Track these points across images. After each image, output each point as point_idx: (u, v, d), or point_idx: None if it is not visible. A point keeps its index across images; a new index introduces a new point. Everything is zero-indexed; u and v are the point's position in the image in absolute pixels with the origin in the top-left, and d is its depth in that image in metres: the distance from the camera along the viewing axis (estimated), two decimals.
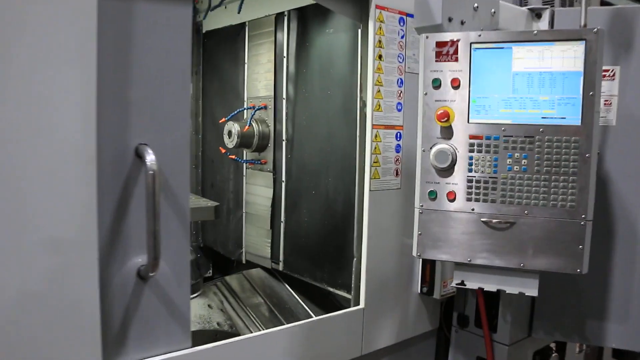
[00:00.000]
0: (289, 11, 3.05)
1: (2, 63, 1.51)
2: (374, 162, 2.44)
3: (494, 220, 2.19)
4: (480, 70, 2.21)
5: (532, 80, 2.16)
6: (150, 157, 1.80)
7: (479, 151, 2.22)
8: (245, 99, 3.39)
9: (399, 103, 2.50)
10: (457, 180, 2.24)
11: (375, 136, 2.43)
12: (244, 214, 3.45)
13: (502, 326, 2.68)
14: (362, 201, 2.45)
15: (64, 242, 1.67)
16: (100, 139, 1.72)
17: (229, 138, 3.21)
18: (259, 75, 3.28)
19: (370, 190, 2.43)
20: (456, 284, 2.29)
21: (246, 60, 3.37)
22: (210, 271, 3.85)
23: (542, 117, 2.15)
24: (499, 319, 2.69)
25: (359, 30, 2.44)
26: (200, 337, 2.68)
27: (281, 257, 3.17)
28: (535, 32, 2.14)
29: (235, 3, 3.33)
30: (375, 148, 2.44)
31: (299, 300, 3.18)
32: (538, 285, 2.23)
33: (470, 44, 2.21)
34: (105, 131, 1.75)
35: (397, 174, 2.53)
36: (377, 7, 2.37)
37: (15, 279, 1.59)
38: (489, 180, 2.20)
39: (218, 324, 2.84)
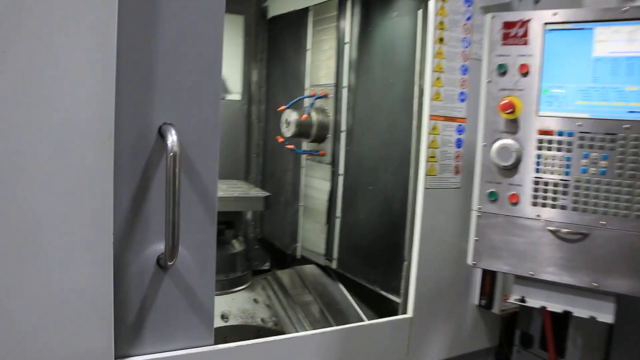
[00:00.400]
0: None
1: (16, 34, 1.41)
2: (430, 157, 2.20)
3: (564, 230, 1.89)
4: (554, 56, 1.92)
5: (617, 67, 1.84)
6: (172, 138, 1.67)
7: (549, 149, 1.92)
8: (307, 86, 3.24)
9: (461, 93, 2.25)
10: (522, 182, 1.97)
11: (433, 128, 2.19)
12: (300, 207, 3.31)
13: (572, 351, 2.35)
14: (415, 199, 2.23)
15: (77, 223, 1.56)
16: (120, 116, 1.60)
17: (286, 127, 3.07)
18: (321, 62, 3.12)
19: (425, 187, 2.18)
20: (515, 300, 2.00)
21: (309, 47, 3.22)
22: (268, 264, 3.73)
23: (630, 112, 1.82)
24: (568, 343, 2.36)
25: (420, 11, 2.19)
26: (241, 332, 2.56)
27: (335, 255, 3.00)
28: (626, 8, 1.81)
29: None
30: (432, 141, 2.20)
31: (352, 302, 2.98)
32: (615, 309, 1.89)
33: (544, 24, 1.92)
34: (126, 108, 1.64)
35: (457, 171, 2.28)
36: None
37: (25, 262, 1.49)
38: (560, 183, 1.91)
39: (262, 320, 2.70)
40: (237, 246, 2.85)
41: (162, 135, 1.70)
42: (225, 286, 2.75)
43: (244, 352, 1.91)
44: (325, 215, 3.07)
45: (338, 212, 3.00)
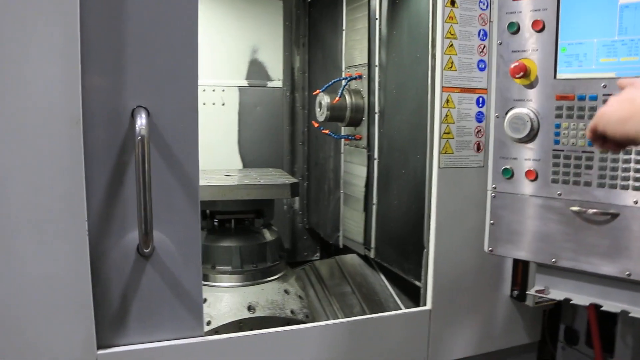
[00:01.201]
0: None
1: None
2: (445, 133, 2.00)
3: (590, 211, 1.62)
4: (572, 6, 1.64)
5: None
6: (141, 121, 1.60)
7: (569, 116, 1.66)
8: (343, 68, 3.10)
9: (480, 61, 2.02)
10: (539, 155, 1.71)
11: (447, 101, 1.99)
12: (341, 195, 3.17)
13: (621, 349, 2.02)
14: (431, 180, 2.02)
15: (48, 211, 1.53)
16: (90, 100, 1.57)
17: (319, 111, 2.96)
18: (355, 42, 2.97)
19: (439, 167, 1.98)
20: (537, 292, 1.74)
21: (344, 27, 3.07)
22: (318, 255, 3.65)
23: None
24: (617, 340, 2.04)
25: None
26: (268, 323, 2.48)
27: (372, 244, 2.84)
28: None
29: None
30: (446, 116, 1.99)
31: (393, 293, 2.80)
32: None
33: None
34: (97, 92, 1.59)
35: (478, 148, 2.05)
36: None
37: None
38: (582, 155, 1.64)
39: (292, 311, 2.60)
40: (268, 235, 2.76)
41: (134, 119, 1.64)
42: (255, 276, 2.68)
43: (239, 344, 1.81)
44: (362, 203, 2.93)
45: (374, 198, 2.83)
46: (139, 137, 1.58)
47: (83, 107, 1.51)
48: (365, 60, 2.88)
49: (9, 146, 1.45)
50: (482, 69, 2.07)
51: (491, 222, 1.82)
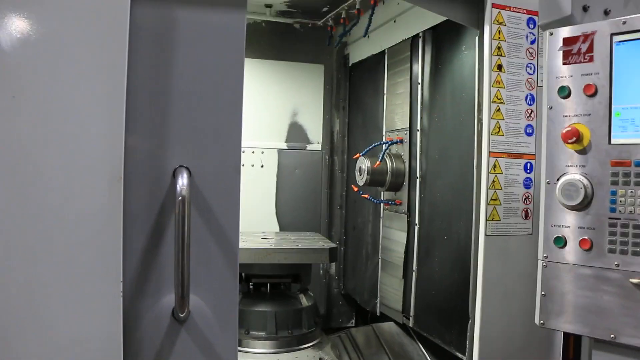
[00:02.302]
0: (423, 32, 2.70)
1: (24, 72, 1.41)
2: (492, 200, 1.94)
3: None
4: (626, 71, 1.60)
5: None
6: (182, 181, 1.58)
7: (626, 183, 1.58)
8: (384, 132, 3.10)
9: (528, 125, 1.98)
10: (595, 224, 1.62)
11: (494, 166, 1.92)
12: (379, 260, 3.10)
13: None
14: (477, 247, 1.95)
15: (83, 270, 1.50)
16: (133, 158, 1.55)
17: (359, 175, 2.94)
18: (396, 106, 2.97)
19: (485, 234, 1.91)
20: None
21: (385, 91, 3.08)
22: (353, 321, 3.54)
23: None
24: None
25: (476, 38, 1.97)
26: None
27: (412, 312, 2.74)
28: None
29: (377, 30, 3.08)
30: (493, 181, 1.92)
31: None
32: None
33: (611, 36, 1.61)
34: (140, 150, 1.58)
35: (526, 215, 1.97)
36: (494, 5, 1.89)
37: (31, 308, 1.44)
38: None
39: None
40: (304, 301, 2.69)
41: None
42: (290, 343, 2.60)
43: None
44: (401, 269, 2.85)
45: (414, 265, 2.75)
46: (180, 198, 1.55)
47: (125, 165, 1.49)
48: (407, 125, 2.87)
49: (50, 201, 1.44)
50: (529, 134, 2.03)
51: (542, 293, 1.72)
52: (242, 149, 3.28)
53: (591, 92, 1.63)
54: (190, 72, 1.61)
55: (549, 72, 1.72)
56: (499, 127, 1.98)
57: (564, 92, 1.68)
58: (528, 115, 2.01)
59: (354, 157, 3.03)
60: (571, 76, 1.67)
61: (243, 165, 3.31)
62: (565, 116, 1.68)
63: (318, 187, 3.52)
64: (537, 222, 2.01)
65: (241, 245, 2.57)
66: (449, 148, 2.50)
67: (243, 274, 2.71)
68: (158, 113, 1.59)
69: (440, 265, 2.54)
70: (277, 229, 3.41)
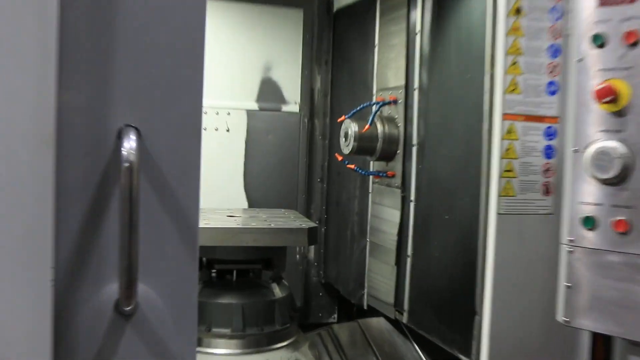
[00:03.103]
0: None
1: None
2: (506, 171, 1.95)
3: None
4: None
5: None
6: (129, 144, 1.48)
7: None
8: (374, 91, 3.06)
9: (551, 82, 2.00)
10: (633, 201, 1.58)
11: (508, 131, 1.94)
12: (367, 243, 3.09)
13: None
14: (486, 229, 1.95)
15: (5, 252, 1.41)
16: (66, 117, 1.45)
17: (345, 141, 2.91)
18: (389, 60, 2.93)
19: (497, 213, 1.89)
20: None
21: (376, 43, 3.04)
22: (335, 316, 3.55)
23: None
24: None
25: None
26: None
27: (406, 305, 2.74)
28: None
29: None
30: (507, 149, 1.93)
31: None
32: None
33: None
34: (76, 107, 1.48)
35: (547, 191, 1.98)
36: None
37: None
38: None
39: None
40: (277, 291, 2.68)
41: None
42: (260, 342, 2.60)
43: None
44: (394, 254, 2.82)
45: (409, 249, 2.73)
46: (126, 164, 1.46)
47: (57, 126, 1.40)
48: (402, 82, 2.82)
49: None
50: (552, 93, 2.01)
51: (567, 284, 1.68)
52: (204, 110, 3.24)
53: (633, 40, 1.58)
54: (140, 14, 1.51)
55: (580, 16, 1.66)
56: (516, 84, 1.96)
57: (599, 41, 1.63)
58: (551, 69, 1.99)
59: (338, 120, 2.98)
60: (608, 21, 1.62)
61: (205, 129, 3.25)
62: (600, 70, 1.63)
63: (295, 156, 3.50)
64: (561, 198, 2.01)
65: (202, 224, 2.52)
66: (453, 109, 2.46)
67: (204, 259, 2.69)
68: (100, 61, 1.49)
69: (440, 250, 2.53)
70: (245, 205, 3.40)
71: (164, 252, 1.57)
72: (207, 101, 3.20)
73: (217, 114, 3.36)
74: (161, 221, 1.56)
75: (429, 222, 2.62)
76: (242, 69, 3.38)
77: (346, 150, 2.89)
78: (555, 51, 2.00)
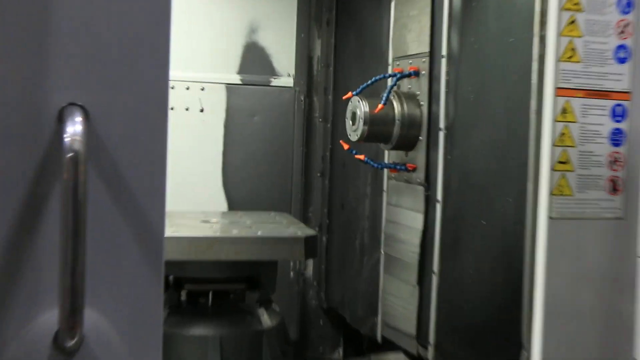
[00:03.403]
0: None
1: None
2: (559, 163, 2.02)
3: None
4: None
5: None
6: (74, 128, 1.49)
7: None
8: (390, 60, 3.09)
9: (621, 47, 2.04)
10: None
11: (564, 111, 2.00)
12: (382, 257, 3.12)
13: None
14: (534, 237, 2.07)
15: None
16: None
17: (352, 125, 2.96)
18: (410, 19, 2.96)
19: (549, 217, 1.93)
20: None
21: None
22: (341, 351, 3.59)
23: None
24: None
25: None
26: None
27: (431, 337, 2.77)
28: None
29: None
30: (562, 134, 2.01)
31: None
32: None
33: None
34: (5, 81, 1.49)
35: (614, 189, 2.06)
36: None
37: None
38: None
39: None
40: (266, 319, 2.71)
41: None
42: None
43: None
44: (416, 271, 2.86)
45: (435, 264, 2.76)
46: (70, 154, 1.48)
47: None
48: (426, 48, 2.85)
49: None
50: (622, 60, 2.03)
51: None
52: (171, 84, 3.25)
53: None
54: None
55: None
56: (573, 50, 1.98)
57: None
58: (621, 30, 2.01)
59: (344, 97, 3.00)
60: None
61: (172, 109, 3.26)
62: None
63: (288, 144, 3.54)
64: (634, 198, 2.07)
65: (169, 232, 2.53)
66: (492, 83, 2.49)
67: (171, 277, 2.70)
68: (35, 21, 1.51)
69: (475, 265, 2.56)
70: (224, 207, 3.42)
71: (119, 268, 1.58)
72: (174, 73, 3.23)
73: (188, 89, 3.39)
74: (115, 228, 1.57)
75: (461, 229, 2.65)
76: (219, 31, 3.40)
77: (354, 137, 2.91)
78: (627, 4, 2.02)
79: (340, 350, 3.55)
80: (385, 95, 2.85)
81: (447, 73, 2.72)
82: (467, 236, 2.61)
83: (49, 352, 1.54)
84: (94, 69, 1.54)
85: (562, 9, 1.97)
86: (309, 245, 2.69)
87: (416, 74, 2.89)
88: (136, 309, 1.60)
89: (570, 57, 2.00)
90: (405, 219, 2.97)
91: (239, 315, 2.72)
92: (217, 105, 3.44)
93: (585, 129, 2.04)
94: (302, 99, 3.53)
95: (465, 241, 2.62)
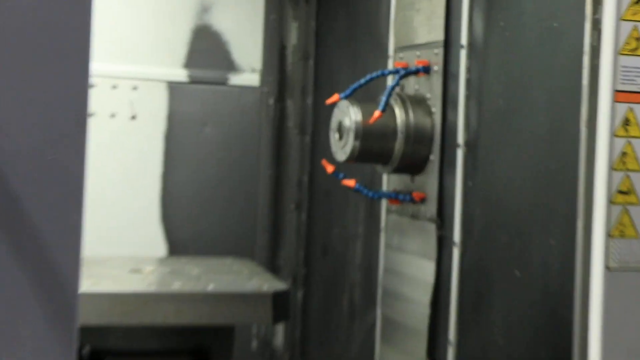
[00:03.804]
0: None
1: None
2: (621, 192, 2.02)
3: None
4: None
5: None
6: None
7: None
8: (391, 51, 3.13)
9: None
10: None
11: (626, 122, 2.04)
12: (378, 320, 3.13)
13: None
14: (586, 294, 2.07)
15: None
16: None
17: (339, 139, 2.93)
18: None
19: (606, 267, 1.97)
20: None
21: None
22: None
23: None
24: None
25: None
26: None
27: None
28: None
29: None
30: (623, 155, 1.99)
31: None
32: None
33: None
34: None
35: None
36: None
37: None
38: None
39: None
40: None
41: None
42: None
43: None
44: (425, 339, 2.88)
45: (452, 331, 2.78)
46: None
47: None
48: (440, 36, 2.89)
49: None
50: None
51: None
52: (92, 83, 3.27)
53: None
54: None
55: None
56: (639, 40, 1.97)
57: None
58: None
59: (328, 101, 3.03)
60: None
61: (93, 116, 3.25)
62: None
63: (253, 164, 3.57)
64: None
65: (86, 286, 2.52)
66: (528, 84, 2.52)
67: (87, 348, 2.69)
68: None
69: (506, 333, 2.59)
70: (163, 251, 3.43)
71: (15, 335, 1.59)
72: (96, 65, 3.23)
73: (115, 87, 3.40)
74: (10, 281, 1.58)
75: (487, 282, 2.67)
76: (159, 10, 3.43)
77: (341, 155, 2.93)
78: None
79: None
80: (384, 99, 2.87)
81: (468, 69, 2.75)
82: (495, 293, 2.63)
83: None
84: None
85: None
86: (279, 304, 2.69)
87: (426, 70, 2.92)
88: None
89: (634, 49, 2.01)
90: (410, 269, 2.99)
91: None
92: (155, 111, 3.44)
93: None
94: (272, 102, 3.53)
95: (493, 299, 2.64)
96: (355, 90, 2.97)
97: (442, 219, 2.85)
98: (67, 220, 1.60)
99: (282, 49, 3.60)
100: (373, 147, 2.91)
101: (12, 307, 1.58)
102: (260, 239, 3.53)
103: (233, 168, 3.53)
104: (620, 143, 2.03)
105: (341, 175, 3.01)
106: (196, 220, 3.49)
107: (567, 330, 2.23)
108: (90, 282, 2.62)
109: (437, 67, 2.88)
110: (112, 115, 3.42)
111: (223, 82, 3.49)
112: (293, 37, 3.58)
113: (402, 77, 2.94)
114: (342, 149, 2.93)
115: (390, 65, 3.08)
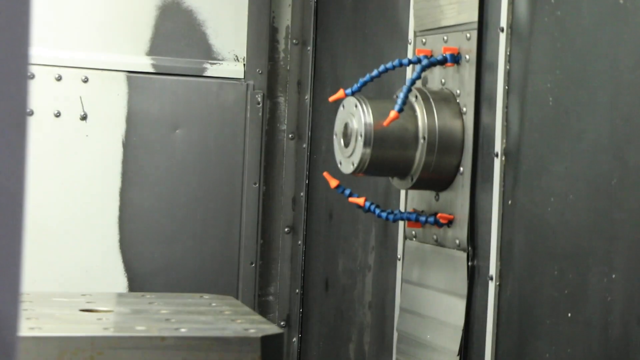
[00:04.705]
0: None
1: None
2: None
3: None
4: None
5: None
6: None
7: None
8: (410, 36, 3.13)
9: None
10: None
11: None
12: None
13: None
14: None
15: None
16: None
17: (345, 146, 2.90)
18: None
19: None
20: None
21: None
22: None
23: None
24: None
25: None
26: None
27: None
28: None
29: None
30: None
31: None
32: None
33: None
34: None
35: None
36: None
37: None
38: None
39: None
40: None
41: None
42: None
43: None
44: None
45: None
46: None
47: None
48: (473, 17, 2.89)
49: None
50: None
51: None
52: (31, 72, 3.23)
53: None
54: None
55: None
56: None
57: None
58: None
59: (332, 98, 3.03)
60: None
61: (32, 115, 3.23)
62: None
63: (235, 177, 3.56)
64: None
65: (26, 328, 2.49)
66: (588, 77, 2.52)
67: None
68: None
69: None
70: (123, 286, 3.43)
71: None
72: (36, 51, 3.21)
73: (60, 79, 3.38)
74: None
75: (531, 325, 2.66)
76: None
77: (348, 166, 2.92)
78: None
79: None
80: (402, 95, 2.86)
81: (509, 58, 2.74)
82: (541, 339, 2.62)
83: None
84: None
85: None
86: (269, 352, 2.66)
87: (455, 59, 2.91)
88: None
89: None
90: (434, 309, 2.99)
91: None
92: (111, 109, 3.41)
93: None
94: (260, 99, 3.50)
95: (538, 348, 2.63)
96: (365, 84, 2.97)
97: (475, 246, 2.84)
98: (2, 247, 1.57)
99: (273, 32, 3.57)
100: (387, 156, 2.91)
101: None
102: (245, 270, 3.49)
103: (211, 182, 3.49)
104: None
105: (347, 191, 2.99)
106: (164, 248, 3.45)
107: None
108: (32, 324, 2.59)
109: (469, 56, 2.87)
110: (57, 115, 3.38)
111: (198, 74, 3.46)
112: (287, 18, 3.55)
113: (424, 69, 2.92)
114: (348, 158, 2.91)
115: (410, 54, 3.07)
